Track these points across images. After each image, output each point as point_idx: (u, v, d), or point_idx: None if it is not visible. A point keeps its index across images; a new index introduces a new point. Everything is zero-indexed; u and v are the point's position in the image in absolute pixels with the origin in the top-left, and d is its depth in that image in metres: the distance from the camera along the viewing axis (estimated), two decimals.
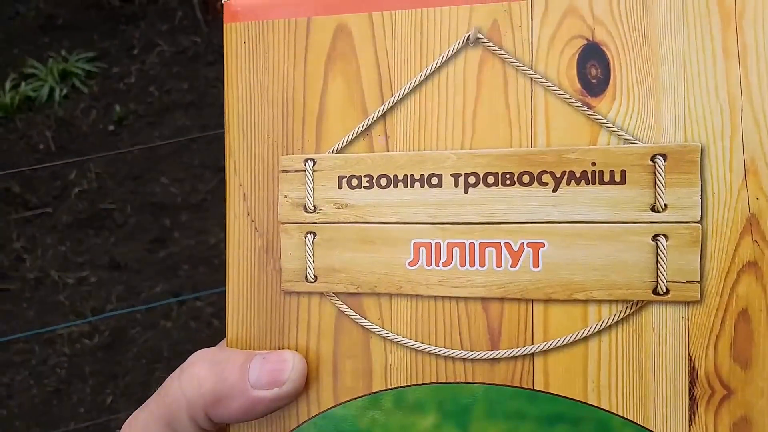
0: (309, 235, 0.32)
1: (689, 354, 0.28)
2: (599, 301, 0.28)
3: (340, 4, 0.31)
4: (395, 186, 0.31)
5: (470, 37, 0.30)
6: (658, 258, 0.28)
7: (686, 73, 0.28)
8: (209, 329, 1.78)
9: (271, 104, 0.32)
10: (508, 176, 0.29)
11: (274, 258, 0.32)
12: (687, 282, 0.28)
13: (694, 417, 0.28)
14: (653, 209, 0.28)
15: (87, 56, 2.30)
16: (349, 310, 0.31)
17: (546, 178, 0.29)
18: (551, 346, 0.29)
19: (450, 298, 0.30)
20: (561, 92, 0.29)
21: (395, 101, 0.31)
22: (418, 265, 0.30)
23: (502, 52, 0.30)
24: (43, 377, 1.73)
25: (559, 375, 0.29)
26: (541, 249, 0.29)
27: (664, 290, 0.28)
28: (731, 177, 0.27)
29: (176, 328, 1.79)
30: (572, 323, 0.29)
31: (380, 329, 0.31)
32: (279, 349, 0.32)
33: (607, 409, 0.28)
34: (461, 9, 0.30)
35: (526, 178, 0.29)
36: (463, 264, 0.30)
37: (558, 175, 0.29)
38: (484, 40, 0.30)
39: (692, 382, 0.28)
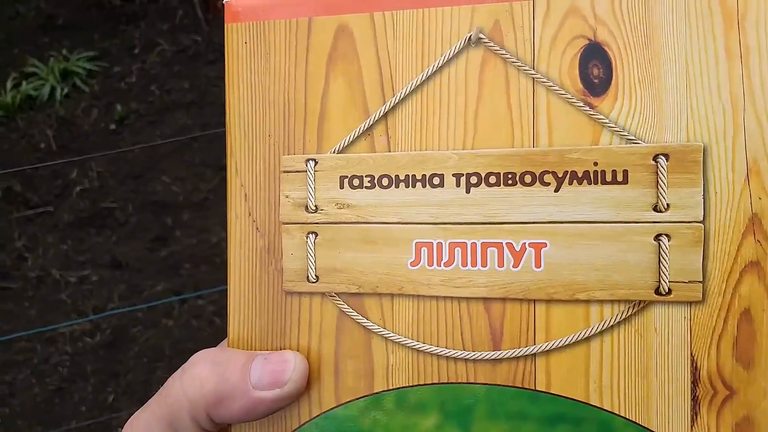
0: (310, 235, 0.32)
1: (691, 354, 0.28)
2: (601, 302, 0.28)
3: (342, 4, 0.31)
4: (397, 186, 0.31)
5: (472, 37, 0.30)
6: (661, 258, 0.28)
7: (688, 73, 0.28)
8: (211, 327, 1.78)
9: (273, 104, 0.32)
10: (510, 176, 0.29)
11: (276, 258, 0.32)
12: (689, 282, 0.28)
13: (696, 417, 0.28)
14: (655, 209, 0.28)
15: (88, 55, 2.30)
16: (351, 310, 0.31)
17: (548, 178, 0.29)
18: (553, 347, 0.29)
19: (452, 298, 0.30)
20: (563, 92, 0.29)
21: (397, 101, 0.31)
22: (419, 265, 0.30)
23: (503, 52, 0.30)
24: (44, 376, 1.73)
25: (561, 375, 0.29)
26: (543, 249, 0.29)
27: (667, 290, 0.28)
28: (734, 177, 0.27)
29: (178, 326, 1.79)
30: (574, 323, 0.29)
31: (382, 329, 0.31)
32: (280, 349, 0.32)
33: (609, 409, 0.28)
34: (463, 9, 0.30)
35: (528, 178, 0.29)
36: (464, 264, 0.30)
37: (560, 175, 0.29)
38: (486, 40, 0.30)
39: (694, 382, 0.28)
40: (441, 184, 0.30)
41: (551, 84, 0.29)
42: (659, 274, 0.28)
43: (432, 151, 0.30)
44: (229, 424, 0.31)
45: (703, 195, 0.27)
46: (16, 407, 1.69)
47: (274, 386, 0.30)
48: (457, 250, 0.30)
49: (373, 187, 0.31)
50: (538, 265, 0.29)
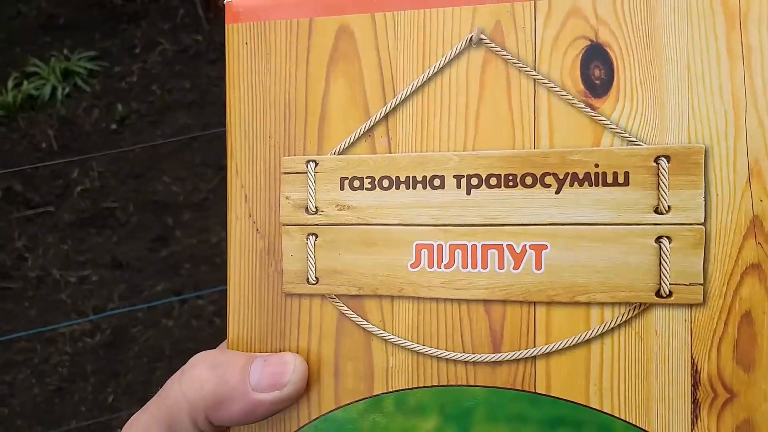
0: (311, 236, 0.32)
1: (692, 357, 0.27)
2: (602, 304, 0.28)
3: (342, 4, 0.31)
4: (397, 187, 0.31)
5: (473, 38, 0.30)
6: (662, 260, 0.28)
7: (690, 74, 0.28)
8: (211, 327, 1.78)
9: (273, 105, 0.32)
10: (510, 178, 0.29)
11: (276, 260, 0.32)
12: (690, 284, 0.27)
13: (696, 420, 0.27)
14: (656, 211, 0.28)
15: (89, 55, 2.30)
16: (351, 312, 0.31)
17: (549, 179, 0.29)
18: (553, 349, 0.29)
19: (452, 300, 0.30)
20: (564, 93, 0.29)
21: (397, 102, 0.31)
22: (420, 267, 0.30)
23: (505, 53, 0.29)
24: (44, 376, 1.73)
25: (561, 378, 0.29)
26: (543, 251, 0.29)
27: (667, 293, 0.28)
28: (735, 179, 0.27)
29: (178, 326, 1.79)
30: (575, 326, 0.29)
31: (382, 331, 0.31)
32: (280, 351, 0.32)
33: (609, 412, 0.28)
34: (464, 10, 0.30)
35: (528, 180, 0.29)
36: (465, 266, 0.30)
37: (561, 177, 0.29)
38: (487, 41, 0.30)
39: (695, 385, 0.27)
40: (441, 186, 0.30)
41: (552, 85, 0.29)
42: (660, 276, 0.28)
43: (433, 153, 0.30)
44: (228, 427, 0.31)
45: (705, 197, 0.27)
46: (16, 407, 1.69)
47: (274, 388, 0.30)
48: (458, 252, 0.30)
49: (373, 188, 0.31)
50: (538, 267, 0.29)
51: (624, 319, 0.28)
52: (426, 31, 0.30)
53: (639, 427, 0.28)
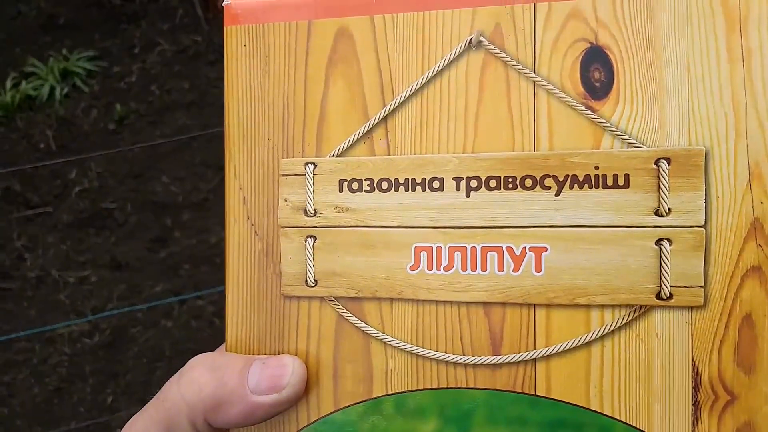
0: (309, 239, 0.32)
1: (692, 359, 0.27)
2: (602, 306, 0.28)
3: (342, 6, 0.31)
4: (396, 190, 0.30)
5: (472, 40, 0.30)
6: (662, 262, 0.28)
7: (690, 76, 0.28)
8: (210, 328, 1.78)
9: (272, 107, 0.32)
10: (510, 180, 0.29)
11: (274, 262, 0.32)
12: (690, 287, 0.27)
13: (697, 423, 0.27)
14: (657, 213, 0.28)
15: (88, 55, 2.30)
16: (350, 314, 0.31)
17: (549, 181, 0.29)
18: (553, 352, 0.29)
19: (451, 302, 0.30)
20: (564, 96, 0.29)
21: (397, 104, 0.31)
22: (419, 269, 0.30)
23: (504, 55, 0.29)
24: (44, 376, 1.73)
25: (561, 380, 0.29)
26: (543, 253, 0.29)
27: (668, 295, 0.28)
28: (735, 181, 0.27)
29: (177, 327, 1.79)
30: (575, 328, 0.28)
31: (381, 334, 0.31)
32: (279, 353, 0.32)
33: (610, 414, 0.28)
34: (463, 12, 0.30)
35: (528, 182, 0.29)
36: (464, 268, 0.30)
37: (561, 179, 0.29)
38: (487, 44, 0.30)
39: (695, 387, 0.27)
40: (441, 188, 0.30)
41: (552, 87, 0.29)
42: (660, 278, 0.28)
43: (432, 155, 0.30)
44: (227, 429, 0.31)
45: (705, 199, 0.27)
46: (15, 407, 1.68)
47: (273, 391, 0.30)
48: (457, 255, 0.30)
49: (372, 190, 0.31)
50: (538, 270, 0.29)
51: (624, 321, 0.28)
52: (425, 34, 0.30)
53: (639, 429, 0.28)
